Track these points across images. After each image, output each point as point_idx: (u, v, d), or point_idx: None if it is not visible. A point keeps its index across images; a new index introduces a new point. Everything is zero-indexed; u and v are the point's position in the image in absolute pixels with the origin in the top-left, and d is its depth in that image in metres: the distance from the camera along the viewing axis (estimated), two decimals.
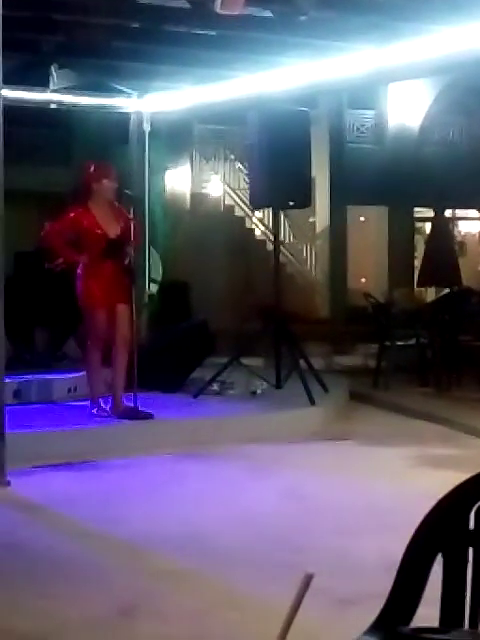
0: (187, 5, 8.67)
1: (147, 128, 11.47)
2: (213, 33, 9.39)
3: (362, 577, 5.05)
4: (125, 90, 11.43)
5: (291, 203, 10.36)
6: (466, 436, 9.03)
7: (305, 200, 10.47)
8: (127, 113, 11.65)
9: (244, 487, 7.35)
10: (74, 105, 11.31)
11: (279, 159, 9.84)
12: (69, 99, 11.22)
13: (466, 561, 2.17)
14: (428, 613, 2.21)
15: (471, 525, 2.18)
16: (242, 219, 18.62)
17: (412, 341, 12.35)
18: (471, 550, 2.19)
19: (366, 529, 6.09)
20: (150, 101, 11.68)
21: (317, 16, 8.74)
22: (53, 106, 11.16)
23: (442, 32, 9.05)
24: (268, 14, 8.88)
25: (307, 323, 14.74)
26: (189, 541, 5.97)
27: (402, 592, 2.12)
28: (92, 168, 9.00)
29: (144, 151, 11.58)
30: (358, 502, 6.81)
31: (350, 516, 6.48)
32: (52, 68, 10.49)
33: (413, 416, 10.07)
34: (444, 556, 2.15)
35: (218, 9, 7.35)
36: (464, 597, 2.18)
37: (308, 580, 1.37)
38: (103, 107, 11.57)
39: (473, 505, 2.16)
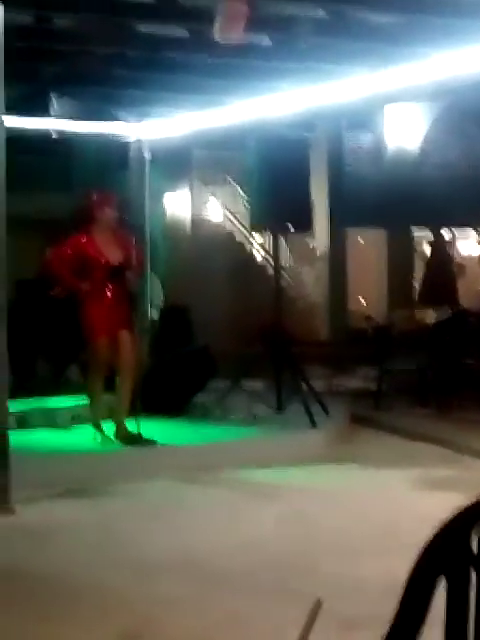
0: (186, 34, 8.75)
1: (148, 156, 11.55)
2: (211, 61, 9.46)
3: (365, 600, 5.06)
4: (124, 116, 11.50)
5: (291, 227, 10.42)
6: (468, 458, 9.03)
7: (305, 225, 10.55)
8: (126, 140, 11.73)
9: (246, 511, 7.36)
10: (74, 133, 11.38)
11: (279, 184, 9.90)
12: (69, 127, 11.29)
13: (469, 583, 2.20)
14: (434, 635, 2.24)
15: (474, 548, 2.21)
16: (242, 243, 18.71)
17: (413, 363, 12.37)
18: (474, 573, 2.21)
19: (368, 552, 6.10)
20: (149, 128, 11.76)
21: (314, 42, 8.82)
22: (54, 136, 11.23)
23: (437, 57, 9.14)
24: (266, 41, 8.96)
25: (308, 346, 14.76)
26: (191, 567, 5.98)
27: (406, 615, 2.15)
28: (94, 196, 9.09)
29: (144, 178, 11.65)
30: (360, 525, 6.83)
31: (352, 539, 6.50)
32: (52, 96, 10.56)
33: (414, 438, 10.08)
34: (447, 579, 2.18)
35: (217, 38, 7.42)
36: (467, 619, 2.21)
37: (318, 606, 1.40)
38: (103, 135, 11.65)
39: (476, 527, 2.18)
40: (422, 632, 2.14)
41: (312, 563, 6.01)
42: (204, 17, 7.58)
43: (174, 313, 13.84)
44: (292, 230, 10.50)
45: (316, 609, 1.44)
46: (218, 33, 7.33)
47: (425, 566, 2.23)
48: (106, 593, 5.54)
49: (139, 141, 11.69)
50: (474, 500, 2.23)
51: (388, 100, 11.65)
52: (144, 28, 8.84)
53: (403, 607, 2.23)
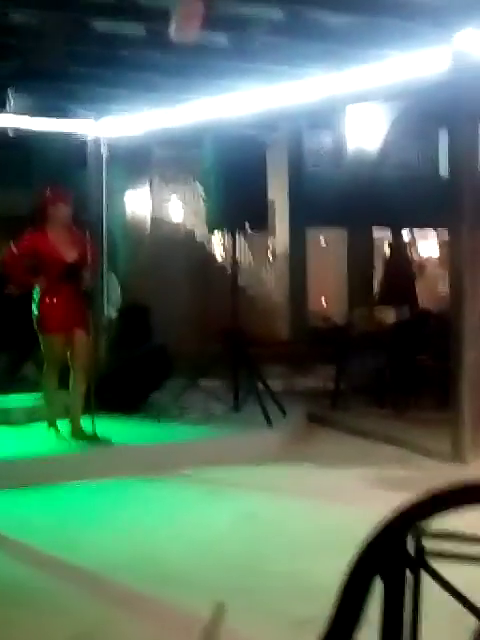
0: (143, 32, 8.72)
1: (105, 153, 11.51)
2: (169, 59, 9.43)
3: (317, 599, 5.05)
4: (82, 113, 11.44)
5: (248, 226, 10.42)
6: (423, 458, 9.07)
7: (262, 223, 10.56)
8: (84, 138, 11.68)
9: (200, 510, 7.36)
10: (32, 130, 11.32)
11: (235, 183, 9.90)
12: (26, 123, 11.22)
13: (404, 585, 2.21)
14: (369, 636, 2.24)
15: (410, 549, 2.21)
16: (203, 243, 18.68)
17: (371, 363, 12.40)
18: (409, 572, 2.22)
19: (323, 551, 6.12)
20: (107, 125, 11.72)
21: (270, 42, 8.81)
22: (10, 131, 11.16)
23: (396, 58, 9.18)
24: (223, 41, 8.94)
25: (268, 345, 14.77)
26: (145, 566, 5.97)
27: (341, 615, 2.15)
28: (48, 192, 9.04)
29: (102, 176, 11.61)
30: (314, 524, 6.84)
31: (306, 539, 6.51)
32: (9, 92, 10.48)
33: (371, 438, 10.11)
34: (383, 578, 2.18)
35: (173, 37, 7.40)
36: (402, 621, 2.21)
37: (221, 611, 1.40)
38: (61, 132, 11.59)
39: (410, 528, 2.19)
40: (357, 632, 2.15)
41: (265, 563, 6.02)
42: (161, 16, 7.55)
43: (132, 312, 13.82)
44: (249, 230, 10.50)
45: (219, 614, 1.43)
46: (174, 32, 7.31)
47: (361, 566, 2.23)
48: (59, 594, 5.52)
49: (97, 139, 11.65)
50: (410, 502, 2.24)
51: (347, 101, 11.67)
52: (101, 26, 8.79)
53: (339, 607, 2.23)
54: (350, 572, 2.22)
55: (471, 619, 2.10)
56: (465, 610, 2.12)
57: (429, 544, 2.12)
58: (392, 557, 2.19)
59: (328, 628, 2.18)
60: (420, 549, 2.16)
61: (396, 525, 2.21)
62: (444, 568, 2.10)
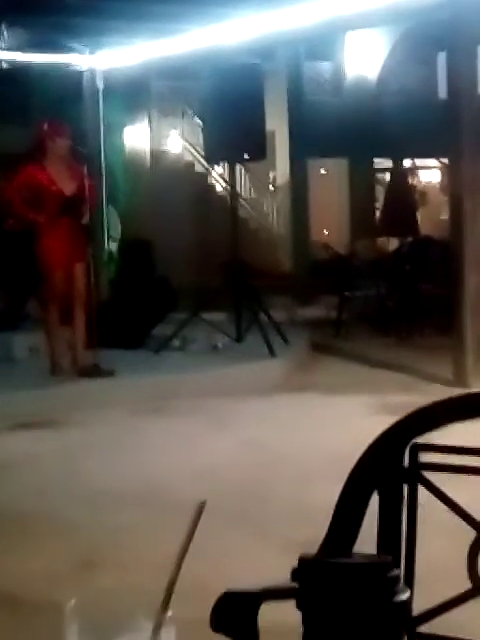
0: None
1: (100, 85, 11.41)
2: None
3: (320, 523, 5.08)
4: (77, 46, 11.33)
5: (246, 156, 10.35)
6: (426, 383, 9.08)
7: (260, 153, 10.47)
8: (80, 71, 11.58)
9: (205, 441, 7.39)
10: (27, 64, 11.21)
11: (232, 113, 9.82)
12: (21, 57, 11.11)
13: (401, 499, 2.20)
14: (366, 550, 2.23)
15: (405, 462, 2.20)
16: (203, 175, 18.59)
17: (373, 291, 12.40)
18: (405, 487, 2.21)
19: (326, 477, 6.12)
20: (103, 58, 11.60)
21: None
22: (5, 65, 11.06)
23: None
24: None
25: (271, 277, 14.76)
26: (149, 495, 6.02)
27: (338, 529, 2.15)
28: (45, 126, 8.97)
29: (98, 109, 11.52)
30: (318, 451, 6.87)
31: (309, 465, 6.55)
32: (2, 26, 10.35)
33: (374, 365, 10.13)
34: (379, 493, 2.18)
35: None
36: (399, 535, 2.21)
37: (201, 508, 1.39)
38: (55, 65, 11.48)
39: (408, 443, 2.19)
40: (354, 546, 2.15)
41: (268, 490, 6.06)
42: None
43: (134, 246, 13.76)
44: (247, 158, 10.42)
45: (199, 511, 1.42)
46: None
47: (358, 481, 2.23)
48: (63, 523, 5.57)
49: (92, 71, 11.54)
50: (406, 416, 2.23)
51: (346, 26, 11.54)
52: None
53: (335, 521, 2.23)
54: (346, 486, 2.21)
55: (468, 534, 2.11)
56: (462, 525, 2.12)
57: (425, 458, 2.12)
58: (388, 471, 2.18)
59: (325, 542, 2.19)
60: (416, 462, 2.15)
61: (392, 439, 2.21)
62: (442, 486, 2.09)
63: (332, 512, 2.38)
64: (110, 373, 8.82)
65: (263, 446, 7.16)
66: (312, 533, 5.24)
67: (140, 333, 10.51)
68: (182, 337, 10.31)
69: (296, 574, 1.28)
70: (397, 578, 1.17)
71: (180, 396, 8.63)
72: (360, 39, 18.31)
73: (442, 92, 19.98)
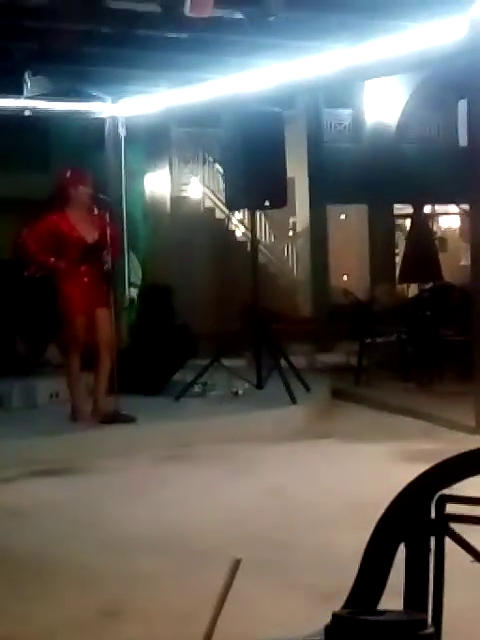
0: (158, 9, 8.67)
1: (122, 132, 11.51)
2: (185, 36, 9.40)
3: (344, 572, 5.04)
4: (99, 95, 11.45)
5: (267, 203, 10.39)
6: (447, 430, 9.05)
7: (281, 200, 10.50)
8: (102, 118, 11.69)
9: (226, 487, 7.36)
10: (49, 112, 11.34)
11: (253, 160, 9.87)
12: (44, 106, 11.23)
13: (428, 550, 2.19)
14: (393, 604, 2.23)
15: (432, 514, 2.20)
16: (222, 221, 18.65)
17: (393, 337, 12.38)
18: (433, 539, 2.20)
19: (348, 524, 6.10)
20: (125, 105, 11.71)
21: (287, 16, 8.75)
22: (28, 113, 11.18)
23: (413, 29, 9.10)
24: (239, 16, 8.89)
25: (290, 322, 14.78)
26: (172, 543, 5.99)
27: (365, 582, 2.14)
28: (68, 174, 9.05)
29: (120, 156, 11.61)
30: (340, 498, 6.84)
31: (332, 512, 6.51)
32: (26, 75, 10.48)
33: (395, 412, 10.09)
34: (406, 545, 2.17)
35: (187, 12, 7.36)
36: (427, 586, 2.20)
37: (236, 565, 1.40)
38: (77, 113, 11.60)
39: (434, 494, 2.18)
40: (381, 598, 2.14)
41: (293, 536, 6.02)
42: None
43: (154, 292, 13.81)
44: (268, 205, 10.46)
45: (235, 568, 1.43)
46: (189, 8, 7.28)
47: (384, 533, 2.22)
48: (85, 571, 5.54)
49: (114, 118, 11.64)
50: (432, 468, 2.23)
51: (365, 75, 11.60)
52: (115, 4, 8.76)
53: (363, 574, 2.23)
54: (373, 539, 2.21)
55: None
56: None
57: (451, 509, 2.11)
58: (415, 523, 2.18)
59: (352, 594, 2.18)
60: (443, 515, 2.15)
61: (418, 491, 2.20)
62: (467, 535, 2.09)
63: (355, 560, 2.37)
64: (131, 419, 8.82)
65: (285, 493, 7.13)
66: (336, 582, 5.20)
67: (160, 379, 10.52)
68: (202, 383, 10.31)
69: (329, 631, 1.28)
70: (431, 636, 1.17)
71: (201, 442, 8.61)
72: (380, 85, 18.42)
73: (462, 139, 20.10)
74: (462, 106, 19.68)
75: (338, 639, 1.23)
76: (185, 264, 16.46)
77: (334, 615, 1.26)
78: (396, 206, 20.04)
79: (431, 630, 1.25)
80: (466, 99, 10.04)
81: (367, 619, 1.27)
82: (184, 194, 18.51)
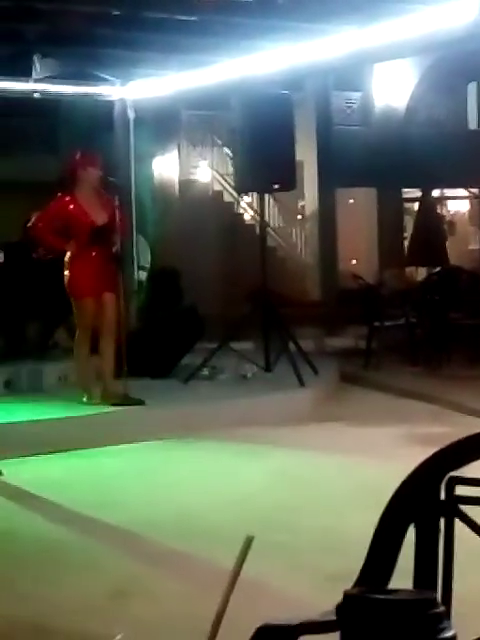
0: None
1: (131, 115, 11.49)
2: (194, 19, 9.38)
3: (351, 554, 5.06)
4: (108, 78, 11.43)
5: (276, 186, 10.37)
6: (456, 414, 9.06)
7: (290, 183, 10.48)
8: (111, 101, 11.68)
9: (235, 470, 7.39)
10: (58, 94, 11.33)
11: (262, 143, 9.84)
12: (53, 88, 11.23)
13: (438, 531, 2.20)
14: (403, 584, 2.24)
15: (442, 496, 2.21)
16: (231, 204, 18.63)
17: (402, 321, 12.38)
18: (442, 520, 2.21)
19: (355, 507, 6.13)
20: (134, 88, 11.69)
21: None
22: (37, 96, 11.17)
23: (423, 11, 9.07)
24: None
25: (299, 306, 14.76)
26: (180, 524, 6.02)
27: (375, 562, 2.15)
28: (77, 156, 9.04)
29: (129, 139, 11.59)
30: (347, 481, 6.86)
31: (339, 495, 6.53)
32: (35, 58, 10.47)
33: (403, 395, 10.10)
34: (416, 526, 2.18)
35: None
36: (436, 567, 2.22)
37: (249, 543, 1.41)
38: (87, 95, 11.59)
39: (444, 476, 2.19)
40: (391, 579, 2.15)
41: (300, 519, 6.05)
42: None
43: (163, 275, 13.81)
44: (277, 188, 10.45)
45: (247, 546, 1.44)
46: None
47: (395, 513, 2.23)
48: (96, 552, 5.58)
49: (123, 101, 11.63)
50: (443, 447, 2.23)
51: (374, 58, 11.57)
52: None
53: (373, 554, 2.24)
54: (383, 519, 2.22)
55: None
56: None
57: (461, 491, 2.12)
58: (425, 504, 2.18)
59: (362, 574, 2.19)
60: (453, 496, 2.16)
61: (428, 472, 2.21)
62: (477, 516, 2.09)
63: (362, 542, 2.38)
64: (140, 402, 8.84)
65: (292, 475, 7.15)
66: (343, 564, 5.23)
67: (169, 362, 10.53)
68: (211, 367, 10.31)
69: (341, 610, 1.29)
70: (442, 615, 1.18)
71: (210, 426, 8.62)
72: (389, 69, 18.35)
73: (472, 122, 20.04)
74: (472, 89, 19.67)
75: (349, 618, 1.24)
76: (193, 247, 16.43)
77: (345, 594, 1.27)
78: (405, 190, 19.98)
79: (442, 609, 1.26)
80: (476, 82, 10.02)
81: (378, 597, 1.28)
82: (193, 177, 18.48)
